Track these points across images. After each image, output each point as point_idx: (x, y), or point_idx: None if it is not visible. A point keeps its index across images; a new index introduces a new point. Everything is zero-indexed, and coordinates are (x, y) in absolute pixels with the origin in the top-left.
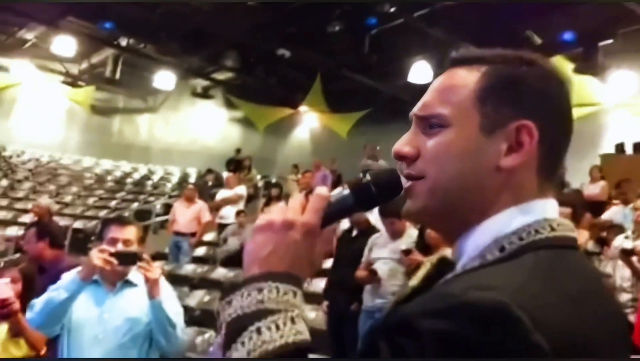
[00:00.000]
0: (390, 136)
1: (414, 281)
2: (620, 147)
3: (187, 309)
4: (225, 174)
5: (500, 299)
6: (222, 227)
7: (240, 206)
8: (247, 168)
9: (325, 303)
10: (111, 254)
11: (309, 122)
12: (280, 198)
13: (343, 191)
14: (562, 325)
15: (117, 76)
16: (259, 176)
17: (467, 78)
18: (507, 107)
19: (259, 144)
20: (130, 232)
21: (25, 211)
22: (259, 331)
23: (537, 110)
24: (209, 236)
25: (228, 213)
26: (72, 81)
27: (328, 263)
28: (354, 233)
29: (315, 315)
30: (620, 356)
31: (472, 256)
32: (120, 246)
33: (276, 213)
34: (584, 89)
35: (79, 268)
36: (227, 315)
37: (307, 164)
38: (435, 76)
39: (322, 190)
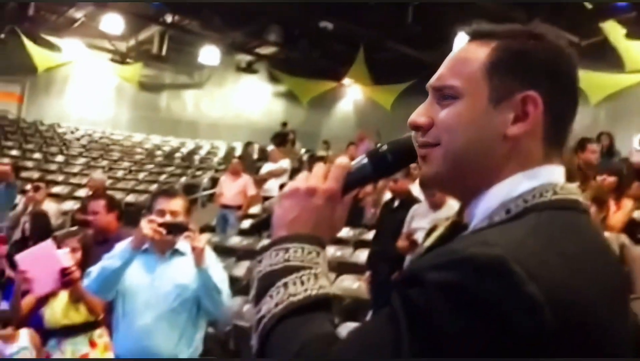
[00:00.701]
0: None
1: (429, 241)
2: None
3: (234, 279)
4: (270, 148)
5: (497, 253)
6: (267, 200)
7: (285, 179)
8: (292, 142)
9: (368, 273)
10: (160, 225)
11: (353, 94)
12: None
13: (362, 159)
14: (558, 280)
15: (164, 52)
16: (303, 150)
17: (478, 52)
18: (514, 79)
19: (303, 118)
20: (177, 204)
21: (80, 186)
22: (285, 285)
23: (543, 82)
24: (255, 209)
25: (272, 186)
26: (121, 59)
27: (370, 234)
28: (396, 203)
29: (358, 285)
30: (618, 314)
31: (481, 218)
32: (168, 217)
33: (301, 180)
34: (636, 55)
35: (131, 238)
36: (257, 272)
37: (350, 136)
38: None
39: (342, 160)
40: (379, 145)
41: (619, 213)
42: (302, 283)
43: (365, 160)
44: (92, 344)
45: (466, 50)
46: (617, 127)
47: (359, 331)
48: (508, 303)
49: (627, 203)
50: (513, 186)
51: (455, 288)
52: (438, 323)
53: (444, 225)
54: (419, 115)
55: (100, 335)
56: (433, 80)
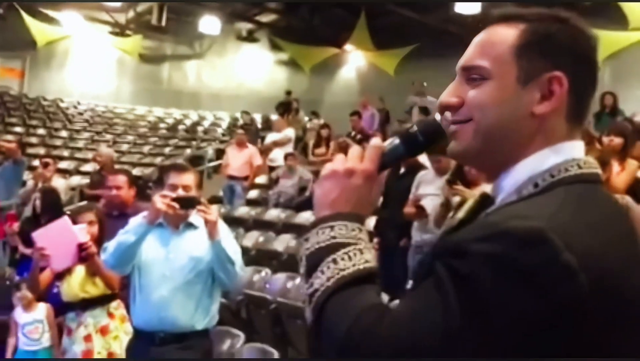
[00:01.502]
0: (438, 71)
1: (461, 214)
2: None
3: (242, 249)
4: (273, 117)
5: (535, 225)
6: (272, 170)
7: (289, 148)
8: (295, 110)
9: (376, 240)
10: (172, 200)
11: (356, 60)
12: (330, 139)
13: (394, 140)
14: (588, 248)
15: (163, 23)
16: (306, 118)
17: (506, 34)
18: (541, 61)
19: (306, 86)
20: (189, 178)
21: (86, 161)
22: (334, 261)
23: (568, 63)
24: (261, 179)
25: (277, 156)
26: (120, 31)
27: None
28: (402, 170)
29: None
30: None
31: (509, 192)
32: (180, 192)
33: (339, 162)
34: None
35: (145, 213)
36: (304, 249)
37: (354, 103)
38: (483, 7)
39: (376, 141)
40: (409, 125)
41: (623, 173)
42: (350, 258)
43: (397, 141)
44: (110, 315)
45: (494, 32)
46: (621, 86)
47: (409, 301)
48: (547, 270)
49: (632, 163)
50: (540, 161)
51: (498, 259)
52: (484, 291)
53: (473, 198)
54: (449, 95)
55: (116, 306)
56: (462, 61)
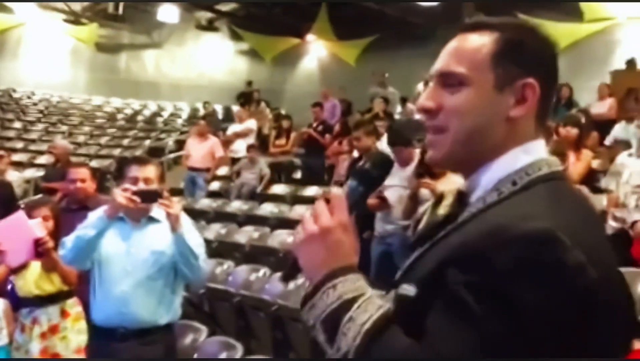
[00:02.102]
0: (399, 62)
1: (442, 210)
2: (630, 63)
3: (205, 242)
4: (235, 108)
5: (544, 226)
6: (234, 161)
7: (251, 139)
8: (257, 101)
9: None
10: (134, 193)
11: (317, 51)
12: (291, 130)
13: (351, 183)
14: (588, 241)
15: (120, 11)
16: (268, 109)
17: (481, 42)
18: (515, 68)
19: (267, 76)
20: (150, 171)
21: (41, 153)
22: (351, 319)
23: (537, 69)
24: (223, 171)
25: (239, 147)
26: (75, 19)
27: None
28: (362, 161)
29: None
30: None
31: (487, 188)
32: (141, 185)
33: (310, 224)
34: (594, 4)
35: (105, 207)
36: (315, 316)
37: (315, 93)
38: None
39: (336, 191)
40: (361, 163)
41: (579, 164)
42: (365, 310)
43: (355, 182)
44: (64, 313)
45: (469, 40)
46: (577, 77)
47: (443, 334)
48: (564, 267)
49: (587, 154)
50: (513, 160)
51: (521, 263)
52: (512, 297)
53: (451, 194)
54: (427, 100)
55: (72, 304)
56: (439, 66)
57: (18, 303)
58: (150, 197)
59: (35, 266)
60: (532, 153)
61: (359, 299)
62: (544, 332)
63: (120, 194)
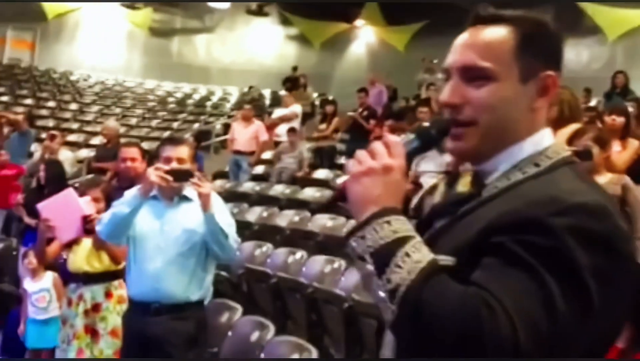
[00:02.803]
0: (448, 48)
1: (462, 187)
2: None
3: (246, 224)
4: (282, 93)
5: (599, 199)
6: (279, 145)
7: (296, 124)
8: (303, 86)
9: None
10: (166, 172)
11: (366, 36)
12: (335, 115)
13: (409, 136)
14: (618, 217)
15: None
16: (315, 94)
17: (502, 36)
18: (536, 60)
19: (316, 61)
20: (183, 151)
21: (95, 134)
22: (407, 255)
23: (554, 62)
24: (267, 155)
25: (284, 131)
26: (131, 4)
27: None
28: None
29: None
30: None
31: (506, 169)
32: (174, 164)
33: (368, 159)
34: None
35: (140, 185)
36: (365, 246)
37: (362, 79)
38: None
39: (392, 137)
40: (423, 123)
41: (624, 153)
42: (419, 250)
43: (412, 136)
44: (108, 295)
45: (487, 33)
46: (635, 65)
47: (501, 285)
48: (615, 235)
49: (633, 143)
50: (532, 145)
51: (580, 229)
52: (574, 259)
53: (467, 174)
54: (451, 95)
55: (117, 286)
56: (460, 61)
57: (68, 277)
58: (182, 176)
59: (87, 242)
60: (547, 139)
61: (413, 240)
62: (597, 294)
63: (154, 173)
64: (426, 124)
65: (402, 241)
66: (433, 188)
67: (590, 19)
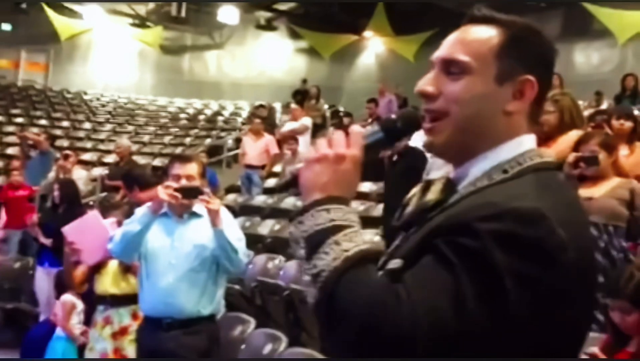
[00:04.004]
0: None
1: (431, 195)
2: None
3: (259, 237)
4: (292, 105)
5: (534, 205)
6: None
7: (307, 136)
8: (316, 97)
9: (382, 227)
10: (175, 190)
11: (375, 47)
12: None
13: (374, 127)
14: (570, 224)
15: (183, 13)
16: (326, 106)
17: (488, 35)
18: (517, 64)
19: (326, 73)
20: (192, 168)
21: (108, 152)
22: (336, 242)
23: (538, 69)
24: (278, 168)
25: (304, 144)
26: (141, 23)
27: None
28: (394, 157)
29: (379, 238)
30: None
31: (477, 176)
32: (183, 182)
33: (325, 147)
34: None
35: (150, 203)
36: (301, 231)
37: (373, 89)
38: None
39: (356, 127)
40: (390, 115)
41: (632, 157)
42: (350, 239)
43: (377, 127)
44: (135, 316)
45: (475, 31)
46: None
47: (418, 279)
48: (547, 243)
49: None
50: (505, 152)
51: (506, 235)
52: (495, 264)
53: (440, 181)
54: (427, 84)
55: None
56: (442, 53)
57: (94, 301)
58: (191, 193)
59: (113, 264)
60: (524, 145)
61: (348, 229)
62: (515, 299)
63: (163, 191)
64: (393, 116)
65: (336, 229)
66: (412, 197)
67: (599, 22)
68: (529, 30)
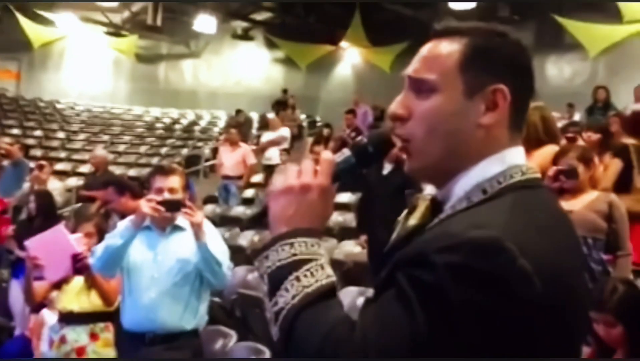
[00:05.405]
0: None
1: (413, 220)
2: None
3: (238, 248)
4: (270, 115)
5: (492, 234)
6: (267, 168)
7: (285, 146)
8: (292, 107)
9: (364, 237)
10: (158, 203)
11: (351, 57)
12: (330, 138)
13: (345, 153)
14: (540, 253)
15: (159, 22)
16: (303, 116)
17: (450, 49)
18: (485, 74)
19: (302, 83)
20: (174, 181)
21: (83, 162)
22: (297, 278)
23: (508, 75)
24: (256, 178)
25: (273, 155)
26: (116, 31)
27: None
28: (388, 169)
29: (359, 249)
30: (582, 277)
31: (459, 197)
32: (166, 195)
33: (292, 177)
34: (634, 5)
35: (132, 217)
36: (265, 267)
37: (349, 100)
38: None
39: (326, 154)
40: (360, 138)
41: (601, 169)
42: (312, 274)
43: (349, 153)
44: (93, 336)
45: (438, 46)
46: (616, 80)
47: (375, 311)
48: (506, 275)
49: (614, 161)
50: (486, 169)
51: (461, 267)
52: (449, 298)
53: (423, 204)
54: (397, 108)
55: (103, 328)
56: (409, 71)
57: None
58: (173, 206)
59: (77, 281)
60: (506, 161)
61: (310, 263)
62: (472, 336)
63: (146, 205)
64: (364, 139)
65: (298, 264)
66: (400, 221)
67: (571, 35)
68: (493, 36)
